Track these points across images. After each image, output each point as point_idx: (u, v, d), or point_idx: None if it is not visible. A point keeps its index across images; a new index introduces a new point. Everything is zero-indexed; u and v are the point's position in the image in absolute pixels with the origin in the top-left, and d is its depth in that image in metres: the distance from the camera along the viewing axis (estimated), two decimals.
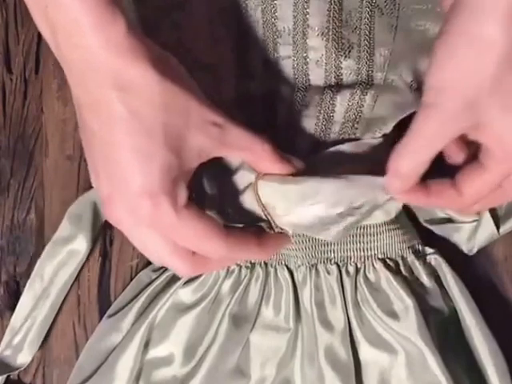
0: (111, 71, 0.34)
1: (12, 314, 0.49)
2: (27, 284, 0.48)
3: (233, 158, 0.42)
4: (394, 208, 0.45)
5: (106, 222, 0.49)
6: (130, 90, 0.34)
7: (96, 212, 0.48)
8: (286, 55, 0.45)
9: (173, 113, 0.35)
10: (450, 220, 0.46)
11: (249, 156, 0.39)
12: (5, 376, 0.48)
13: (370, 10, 0.44)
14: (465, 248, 0.47)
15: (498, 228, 0.46)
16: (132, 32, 0.34)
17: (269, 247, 0.41)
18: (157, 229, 0.36)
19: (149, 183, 0.35)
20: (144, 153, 0.34)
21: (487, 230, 0.46)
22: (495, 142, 0.37)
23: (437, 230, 0.47)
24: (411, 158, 0.38)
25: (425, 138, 0.37)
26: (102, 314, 0.49)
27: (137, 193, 0.35)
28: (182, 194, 0.36)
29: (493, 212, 0.45)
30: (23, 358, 0.48)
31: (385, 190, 0.40)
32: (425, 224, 0.47)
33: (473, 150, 0.40)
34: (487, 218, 0.45)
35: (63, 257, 0.48)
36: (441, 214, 0.46)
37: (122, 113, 0.34)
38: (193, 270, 0.39)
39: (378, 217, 0.44)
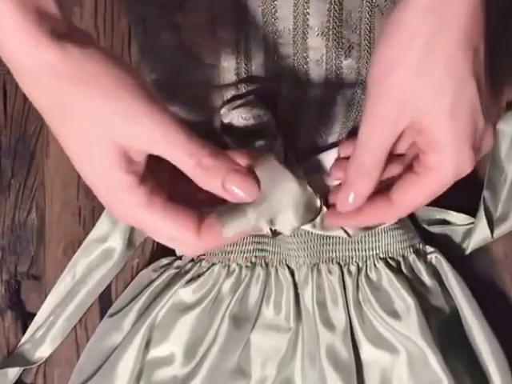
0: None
1: (13, 313, 0.49)
2: (58, 280, 0.48)
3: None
4: None
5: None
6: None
7: None
8: (286, 55, 0.45)
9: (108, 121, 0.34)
10: (446, 221, 0.47)
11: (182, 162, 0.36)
12: (21, 369, 0.48)
13: (370, 10, 0.44)
14: (458, 249, 0.47)
15: (492, 231, 0.46)
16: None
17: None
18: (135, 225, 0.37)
19: (100, 185, 0.36)
20: (92, 155, 0.35)
21: (482, 233, 0.46)
22: (431, 145, 0.37)
23: (433, 230, 0.48)
24: (373, 150, 0.38)
25: (378, 126, 0.37)
26: (102, 314, 0.49)
27: (101, 195, 0.37)
28: (139, 193, 0.35)
29: (488, 215, 0.45)
30: (42, 353, 0.48)
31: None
32: (422, 224, 0.48)
33: (406, 164, 0.40)
34: (483, 221, 0.45)
35: (98, 255, 0.48)
36: (437, 216, 0.46)
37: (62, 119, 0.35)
38: (197, 250, 0.39)
39: None
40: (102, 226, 0.47)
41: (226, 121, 0.44)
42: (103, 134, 0.34)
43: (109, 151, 0.34)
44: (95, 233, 0.48)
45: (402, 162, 0.41)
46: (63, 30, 0.33)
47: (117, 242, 0.47)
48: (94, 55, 0.34)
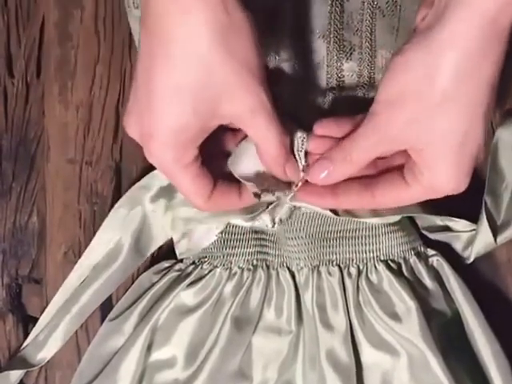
0: (171, 17, 0.34)
1: (14, 317, 0.49)
2: (64, 283, 0.48)
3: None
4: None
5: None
6: (179, 42, 0.34)
7: (144, 219, 0.48)
8: (287, 58, 0.45)
9: (211, 77, 0.35)
10: (447, 228, 0.46)
11: (260, 146, 0.39)
12: (23, 372, 0.48)
13: (372, 12, 0.44)
14: (461, 257, 0.47)
15: (495, 238, 0.46)
16: None
17: (249, 198, 0.42)
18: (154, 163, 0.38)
19: (163, 133, 0.36)
20: (170, 105, 0.35)
21: (485, 240, 0.46)
22: (427, 167, 0.37)
23: (434, 237, 0.47)
24: (364, 150, 0.38)
25: (380, 137, 0.37)
26: (103, 317, 0.49)
27: (151, 130, 0.36)
28: (188, 156, 0.37)
29: (491, 222, 0.45)
30: (44, 355, 0.48)
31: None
32: (423, 231, 0.47)
33: (401, 161, 0.40)
34: (485, 227, 0.45)
35: (103, 259, 0.47)
36: (439, 222, 0.46)
37: (167, 60, 0.35)
38: (207, 208, 0.40)
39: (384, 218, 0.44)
40: (107, 229, 0.47)
41: None
42: (208, 95, 0.35)
43: (201, 102, 0.35)
44: (101, 236, 0.47)
45: (389, 160, 0.41)
46: None
47: (124, 241, 0.47)
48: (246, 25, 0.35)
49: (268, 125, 0.38)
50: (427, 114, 0.36)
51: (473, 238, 0.46)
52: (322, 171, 0.40)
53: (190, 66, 0.34)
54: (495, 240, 0.45)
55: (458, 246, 0.47)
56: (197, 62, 0.34)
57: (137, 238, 0.47)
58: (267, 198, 0.41)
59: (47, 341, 0.48)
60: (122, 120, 0.39)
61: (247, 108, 0.36)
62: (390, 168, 0.41)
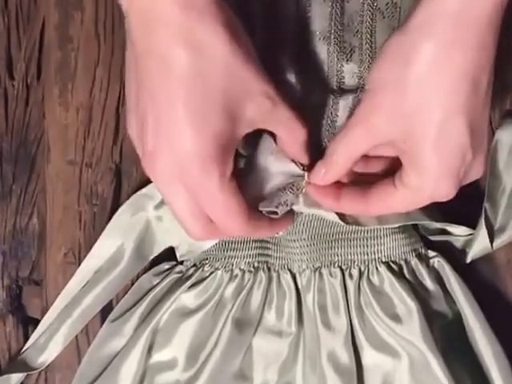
0: (183, 28, 0.33)
1: (14, 318, 0.49)
2: (66, 286, 0.48)
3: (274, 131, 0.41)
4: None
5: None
6: (199, 49, 0.34)
7: (147, 225, 0.48)
8: (287, 59, 0.45)
9: (235, 79, 0.35)
10: (446, 232, 0.47)
11: (286, 135, 0.39)
12: (24, 374, 0.48)
13: (372, 14, 0.44)
14: (459, 257, 0.47)
15: (491, 243, 0.46)
16: None
17: (279, 226, 0.42)
18: (192, 191, 0.37)
19: (202, 147, 0.35)
20: (200, 115, 0.34)
21: (482, 245, 0.46)
22: (412, 165, 0.37)
23: (433, 239, 0.47)
24: (346, 147, 0.39)
25: (363, 130, 0.38)
26: (103, 319, 0.49)
27: (188, 154, 0.35)
28: (230, 166, 0.36)
29: (488, 227, 0.45)
30: (44, 358, 0.48)
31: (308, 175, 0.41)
32: (422, 232, 0.47)
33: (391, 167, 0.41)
34: (483, 233, 0.45)
35: (105, 263, 0.47)
36: (438, 225, 0.46)
37: (187, 71, 0.34)
38: (203, 235, 0.39)
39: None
40: (110, 234, 0.47)
41: None
42: (234, 83, 0.35)
43: (230, 105, 0.35)
44: (103, 241, 0.47)
45: (384, 162, 0.42)
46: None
47: (127, 247, 0.47)
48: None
49: (289, 111, 0.38)
50: (405, 103, 0.36)
51: (470, 242, 0.46)
52: (319, 172, 0.40)
53: (214, 71, 0.34)
54: (491, 245, 0.45)
55: (456, 248, 0.47)
56: (220, 65, 0.34)
57: (139, 244, 0.47)
58: (283, 209, 0.41)
59: (48, 344, 0.48)
60: (125, 136, 0.39)
61: (268, 98, 0.36)
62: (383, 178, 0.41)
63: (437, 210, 0.46)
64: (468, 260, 0.46)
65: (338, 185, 0.41)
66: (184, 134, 0.35)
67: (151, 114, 0.35)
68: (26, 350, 0.48)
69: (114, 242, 0.47)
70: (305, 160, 0.41)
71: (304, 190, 0.42)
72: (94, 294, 0.47)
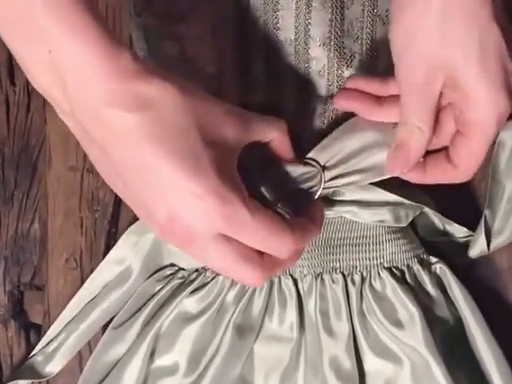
0: (130, 94, 0.33)
1: (16, 323, 0.50)
2: (76, 295, 0.48)
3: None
4: (404, 216, 0.45)
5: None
6: (153, 106, 0.33)
7: (156, 246, 0.48)
8: (288, 66, 0.45)
9: (198, 113, 0.35)
10: (445, 233, 0.47)
11: (272, 138, 0.40)
12: (30, 381, 0.48)
13: (372, 20, 0.44)
14: (456, 258, 0.47)
15: (488, 245, 0.46)
16: (137, 57, 0.34)
17: (320, 225, 0.40)
18: (228, 229, 0.35)
19: (210, 182, 0.33)
20: (190, 156, 0.33)
21: (479, 248, 0.46)
22: (467, 98, 0.37)
23: (431, 239, 0.48)
24: (420, 107, 0.38)
25: (419, 83, 0.38)
26: (105, 325, 0.49)
27: (201, 196, 0.33)
28: (243, 188, 0.35)
29: (486, 229, 0.46)
30: (52, 368, 0.48)
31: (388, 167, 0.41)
32: (421, 235, 0.48)
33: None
34: (482, 238, 0.45)
35: (115, 277, 0.48)
36: (439, 227, 0.47)
37: (152, 132, 0.33)
38: (263, 274, 0.36)
39: (387, 220, 0.44)
40: (121, 247, 0.48)
41: None
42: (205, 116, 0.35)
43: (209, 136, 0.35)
44: (114, 254, 0.48)
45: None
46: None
47: (135, 266, 0.48)
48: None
49: (260, 117, 0.38)
50: (437, 39, 0.36)
51: (469, 245, 0.46)
52: (401, 156, 0.40)
53: (175, 116, 0.34)
54: (488, 248, 0.45)
55: (453, 251, 0.47)
56: (178, 108, 0.34)
57: (146, 264, 0.48)
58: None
59: (56, 354, 0.48)
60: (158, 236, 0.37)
61: (236, 116, 0.37)
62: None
63: (436, 209, 0.46)
64: (466, 261, 0.47)
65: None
66: (187, 183, 0.33)
67: (144, 191, 0.34)
68: (33, 356, 0.49)
69: (124, 258, 0.48)
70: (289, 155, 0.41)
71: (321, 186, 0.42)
72: (101, 309, 0.48)
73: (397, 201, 0.44)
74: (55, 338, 0.48)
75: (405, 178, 0.42)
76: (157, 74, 0.34)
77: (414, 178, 0.42)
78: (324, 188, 0.42)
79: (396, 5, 0.38)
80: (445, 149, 0.41)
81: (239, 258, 0.35)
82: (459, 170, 0.40)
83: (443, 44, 0.36)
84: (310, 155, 0.43)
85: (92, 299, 0.48)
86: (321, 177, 0.42)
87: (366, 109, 0.41)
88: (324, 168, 0.42)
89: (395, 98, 0.40)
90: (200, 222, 0.34)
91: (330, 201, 0.44)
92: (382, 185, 0.44)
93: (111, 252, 0.48)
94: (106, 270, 0.48)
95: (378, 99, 0.41)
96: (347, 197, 0.44)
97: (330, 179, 0.42)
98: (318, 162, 0.43)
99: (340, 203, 0.45)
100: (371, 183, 0.43)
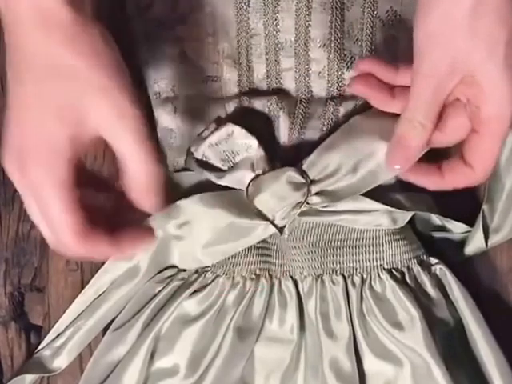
0: (31, 37, 0.35)
1: (16, 325, 0.50)
2: (81, 292, 0.48)
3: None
4: (401, 217, 0.45)
5: None
6: (39, 57, 0.35)
7: (164, 244, 0.47)
8: (288, 67, 0.45)
9: (73, 85, 0.35)
10: (443, 228, 0.47)
11: (132, 167, 0.37)
12: (38, 376, 0.48)
13: (372, 21, 0.44)
14: (454, 254, 0.47)
15: (486, 241, 0.46)
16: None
17: (123, 245, 0.40)
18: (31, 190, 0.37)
19: (36, 144, 0.35)
20: (38, 116, 0.35)
21: (477, 245, 0.46)
22: (484, 97, 0.37)
23: (429, 234, 0.48)
24: (426, 104, 0.38)
25: (434, 80, 0.38)
26: (105, 327, 0.49)
27: (25, 147, 0.36)
28: (63, 172, 0.36)
29: (484, 225, 0.46)
30: (59, 363, 0.48)
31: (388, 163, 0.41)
32: (419, 228, 0.47)
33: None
34: (480, 234, 0.46)
35: (123, 273, 0.48)
36: (437, 223, 0.47)
37: (32, 73, 0.35)
38: (52, 240, 0.38)
39: (384, 224, 0.44)
40: None
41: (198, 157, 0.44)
42: (72, 101, 0.35)
43: (67, 110, 0.35)
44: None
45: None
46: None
47: (143, 262, 0.47)
48: (102, 33, 0.36)
49: (137, 139, 0.36)
50: (463, 34, 0.36)
51: (466, 240, 0.46)
52: (398, 148, 0.40)
53: (51, 75, 0.35)
54: (486, 244, 0.45)
55: (450, 246, 0.47)
56: (57, 70, 0.35)
57: (154, 261, 0.47)
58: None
59: (63, 349, 0.48)
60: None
61: (114, 113, 0.36)
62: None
63: (436, 206, 0.46)
64: (464, 258, 0.47)
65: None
66: (22, 130, 0.35)
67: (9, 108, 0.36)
68: (40, 350, 0.49)
69: (130, 257, 0.47)
70: (143, 203, 0.38)
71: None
72: (108, 305, 0.48)
73: (388, 210, 0.44)
74: (63, 332, 0.48)
75: (422, 185, 0.42)
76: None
77: (432, 185, 0.41)
78: (310, 204, 0.43)
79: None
80: (459, 153, 0.41)
81: (39, 216, 0.37)
82: (476, 170, 0.40)
83: (470, 39, 0.36)
84: (303, 166, 0.43)
85: (100, 295, 0.48)
86: (307, 189, 0.43)
87: (380, 98, 0.41)
88: (312, 181, 0.43)
89: (405, 89, 0.40)
90: (18, 164, 0.36)
91: (321, 212, 0.44)
92: (381, 187, 0.44)
93: None
94: (114, 266, 0.48)
95: (391, 89, 0.41)
96: (339, 207, 0.44)
97: (316, 193, 0.43)
98: (307, 176, 0.43)
99: (332, 213, 0.45)
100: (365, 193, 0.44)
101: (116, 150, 0.37)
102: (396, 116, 0.40)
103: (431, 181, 0.41)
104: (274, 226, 0.44)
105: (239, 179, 0.43)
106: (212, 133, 0.43)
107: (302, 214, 0.44)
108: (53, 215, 0.36)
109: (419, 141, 0.39)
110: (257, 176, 0.43)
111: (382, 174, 0.43)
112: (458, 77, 0.37)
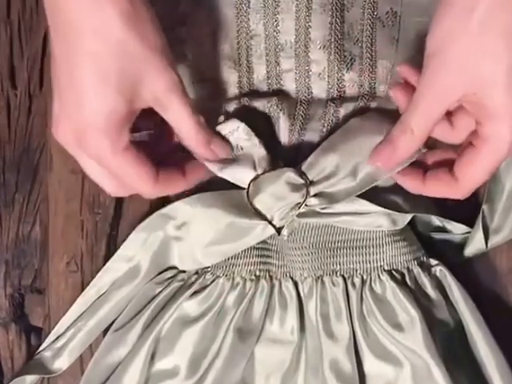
0: (84, 12, 0.36)
1: (17, 327, 0.50)
2: (84, 291, 0.48)
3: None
4: (401, 218, 0.45)
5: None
6: (95, 33, 0.37)
7: (164, 244, 0.47)
8: (288, 69, 0.45)
9: (129, 61, 0.37)
10: (443, 229, 0.47)
11: (183, 127, 0.41)
12: (38, 377, 0.48)
13: (372, 23, 0.44)
14: (454, 256, 0.47)
15: (486, 242, 0.46)
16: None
17: (194, 177, 0.43)
18: (92, 157, 0.39)
19: (94, 121, 0.38)
20: (97, 91, 0.37)
21: (477, 246, 0.46)
22: (486, 115, 0.37)
23: (430, 234, 0.48)
24: (422, 114, 0.38)
25: (434, 91, 0.38)
26: (105, 328, 0.49)
27: (83, 124, 0.38)
28: (123, 139, 0.39)
29: (484, 226, 0.46)
30: (60, 364, 0.48)
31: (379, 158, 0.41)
32: (419, 229, 0.48)
33: (469, 139, 0.40)
34: (480, 235, 0.46)
35: (124, 274, 0.48)
36: (437, 224, 0.47)
37: (87, 51, 0.37)
38: (119, 192, 0.42)
39: (384, 225, 0.44)
40: (130, 244, 0.47)
41: None
42: (128, 75, 0.37)
43: (123, 88, 0.38)
44: (123, 250, 0.48)
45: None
46: None
47: (144, 263, 0.47)
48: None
49: (183, 103, 0.39)
50: (469, 49, 0.36)
51: (466, 241, 0.46)
52: (386, 149, 0.40)
53: (109, 53, 0.37)
54: (486, 245, 0.45)
55: (450, 248, 0.47)
56: (114, 47, 0.37)
57: (155, 261, 0.47)
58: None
59: (64, 350, 0.48)
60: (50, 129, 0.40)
61: (163, 87, 0.39)
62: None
63: (435, 208, 0.46)
64: (464, 260, 0.47)
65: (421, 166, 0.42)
66: (80, 106, 0.38)
67: (58, 79, 0.38)
68: (43, 351, 0.48)
69: (133, 255, 0.47)
70: (203, 152, 0.42)
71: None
72: (109, 305, 0.48)
73: (385, 212, 0.44)
74: (63, 333, 0.48)
75: (402, 185, 0.43)
76: (113, 5, 0.37)
77: (412, 187, 0.42)
78: (308, 205, 0.43)
79: (441, 2, 0.37)
80: (448, 163, 0.41)
81: (103, 175, 0.41)
82: (459, 183, 0.40)
83: (477, 54, 0.36)
84: (302, 168, 0.43)
85: (101, 295, 0.48)
86: (306, 190, 0.43)
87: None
88: (311, 183, 0.43)
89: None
90: (72, 136, 0.39)
91: (320, 214, 0.45)
92: (380, 189, 0.44)
93: (120, 249, 0.48)
94: (114, 267, 0.48)
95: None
96: (337, 209, 0.44)
97: (315, 195, 0.43)
98: (306, 177, 0.43)
99: (330, 215, 0.45)
100: (363, 195, 0.44)
101: (167, 119, 0.40)
102: (395, 120, 0.40)
103: (412, 183, 0.42)
104: (273, 226, 0.44)
105: (239, 176, 0.44)
106: (220, 124, 0.44)
107: (301, 215, 0.44)
108: (125, 177, 0.40)
109: (406, 146, 0.39)
110: (257, 176, 0.44)
111: (381, 177, 0.43)
112: (461, 93, 0.37)
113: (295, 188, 0.43)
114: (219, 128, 0.44)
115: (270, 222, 0.44)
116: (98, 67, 0.37)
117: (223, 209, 0.44)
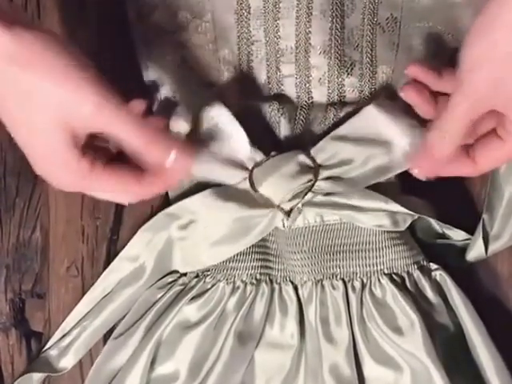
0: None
1: (17, 331, 0.50)
2: (89, 291, 0.48)
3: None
4: (402, 220, 0.45)
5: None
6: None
7: (169, 244, 0.48)
8: (288, 74, 0.46)
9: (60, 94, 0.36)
10: (443, 236, 0.47)
11: (128, 137, 0.39)
12: (45, 375, 0.48)
13: (372, 28, 0.45)
14: (454, 262, 0.47)
15: (486, 249, 0.46)
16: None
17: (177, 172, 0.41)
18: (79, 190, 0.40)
19: (46, 163, 0.38)
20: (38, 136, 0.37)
21: (477, 252, 0.46)
22: None
23: (430, 241, 0.48)
24: (458, 120, 0.39)
25: (472, 101, 0.38)
26: (106, 334, 0.49)
27: (42, 172, 0.39)
28: (83, 165, 0.38)
29: (484, 233, 0.46)
30: (66, 363, 0.48)
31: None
32: (420, 237, 0.48)
33: (493, 123, 0.41)
34: (480, 242, 0.46)
35: (129, 274, 0.48)
36: (438, 230, 0.47)
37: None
38: (127, 199, 0.42)
39: (386, 225, 0.45)
40: (134, 245, 0.48)
41: None
42: (53, 114, 0.36)
43: (58, 130, 0.37)
44: (127, 251, 0.48)
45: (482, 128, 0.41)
46: (13, 19, 0.35)
47: (148, 263, 0.47)
48: (44, 38, 0.36)
49: (118, 114, 0.37)
50: (502, 71, 0.37)
51: (466, 248, 0.47)
52: (425, 157, 0.40)
53: (24, 100, 0.36)
54: (486, 252, 0.45)
55: (450, 254, 0.47)
56: (23, 94, 0.36)
57: (159, 262, 0.47)
58: None
59: (70, 349, 0.48)
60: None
61: (92, 106, 0.36)
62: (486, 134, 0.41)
63: (435, 212, 0.46)
64: (464, 265, 0.47)
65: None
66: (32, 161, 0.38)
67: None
68: (49, 349, 0.49)
69: (138, 255, 0.48)
70: (154, 155, 0.39)
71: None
72: (114, 305, 0.48)
73: (393, 210, 0.44)
74: (69, 332, 0.48)
75: (417, 171, 0.42)
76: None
77: (429, 167, 0.42)
78: (315, 191, 0.44)
79: (480, 19, 0.38)
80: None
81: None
82: (477, 166, 0.41)
83: (508, 71, 0.37)
84: (311, 152, 0.44)
85: (105, 295, 0.48)
86: (316, 173, 0.43)
87: (426, 110, 0.42)
88: (320, 166, 0.44)
89: (445, 98, 0.41)
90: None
91: (326, 204, 0.45)
92: (381, 192, 0.45)
93: (125, 249, 0.48)
94: (119, 267, 0.48)
95: (434, 97, 0.42)
96: (344, 200, 0.45)
97: (325, 178, 0.44)
98: (314, 160, 0.44)
99: (336, 206, 0.45)
100: (370, 188, 0.44)
101: (112, 136, 0.38)
102: (412, 111, 0.42)
103: (429, 162, 0.41)
104: (281, 209, 0.44)
105: (228, 176, 0.44)
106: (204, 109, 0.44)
107: (307, 204, 0.44)
108: (111, 189, 0.40)
109: (444, 151, 0.40)
110: (260, 163, 0.44)
111: (393, 169, 0.44)
112: (494, 102, 0.38)
113: (305, 170, 0.43)
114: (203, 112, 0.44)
115: (279, 206, 0.44)
116: (24, 114, 0.36)
117: (229, 202, 0.45)
